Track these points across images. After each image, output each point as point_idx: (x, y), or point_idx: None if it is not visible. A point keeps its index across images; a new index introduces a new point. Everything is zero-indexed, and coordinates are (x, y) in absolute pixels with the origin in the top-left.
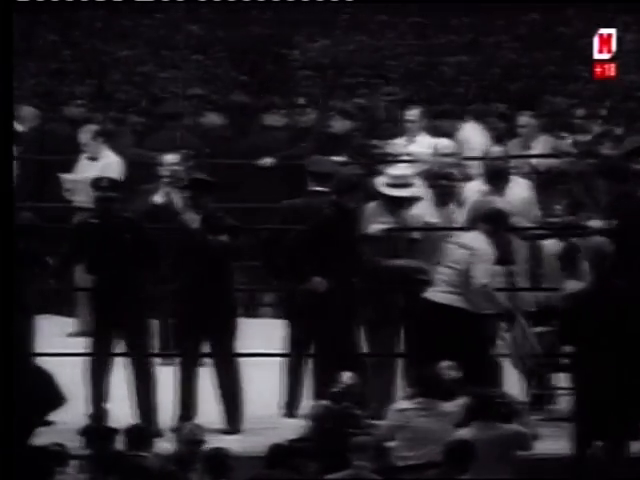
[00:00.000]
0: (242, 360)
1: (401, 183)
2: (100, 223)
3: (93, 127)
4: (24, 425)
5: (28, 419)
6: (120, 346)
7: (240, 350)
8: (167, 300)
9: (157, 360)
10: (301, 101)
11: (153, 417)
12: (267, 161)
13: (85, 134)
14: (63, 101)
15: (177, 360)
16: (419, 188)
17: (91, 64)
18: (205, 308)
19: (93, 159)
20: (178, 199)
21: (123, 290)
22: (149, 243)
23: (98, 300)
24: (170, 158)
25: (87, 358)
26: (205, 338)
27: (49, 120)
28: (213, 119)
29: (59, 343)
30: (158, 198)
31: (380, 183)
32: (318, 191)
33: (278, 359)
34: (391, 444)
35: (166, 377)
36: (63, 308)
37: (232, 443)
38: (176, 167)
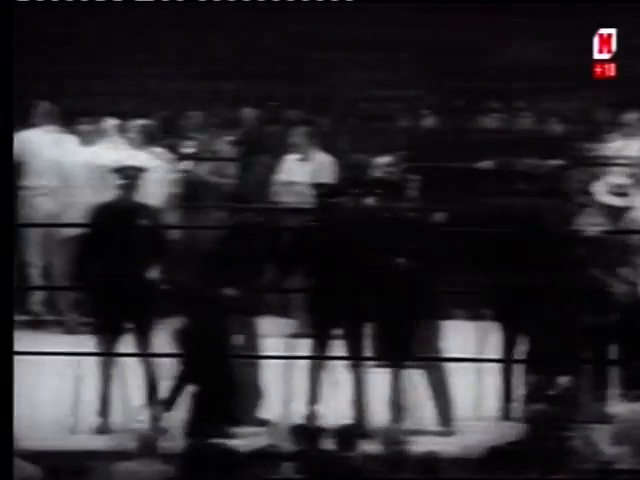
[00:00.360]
0: (454, 363)
1: (620, 192)
2: (320, 226)
3: (305, 128)
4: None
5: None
6: (337, 348)
7: (452, 353)
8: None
9: (375, 363)
10: (516, 104)
11: (365, 418)
12: (485, 164)
13: (298, 135)
14: (280, 103)
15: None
16: (636, 196)
17: (306, 67)
18: (408, 311)
19: (304, 160)
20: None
21: (343, 293)
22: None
23: (318, 302)
24: (383, 160)
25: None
26: (412, 341)
27: (268, 122)
28: (428, 121)
29: (278, 345)
30: (370, 200)
31: (599, 190)
32: (525, 192)
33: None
34: (611, 448)
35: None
36: (283, 310)
37: (445, 445)
38: (389, 169)
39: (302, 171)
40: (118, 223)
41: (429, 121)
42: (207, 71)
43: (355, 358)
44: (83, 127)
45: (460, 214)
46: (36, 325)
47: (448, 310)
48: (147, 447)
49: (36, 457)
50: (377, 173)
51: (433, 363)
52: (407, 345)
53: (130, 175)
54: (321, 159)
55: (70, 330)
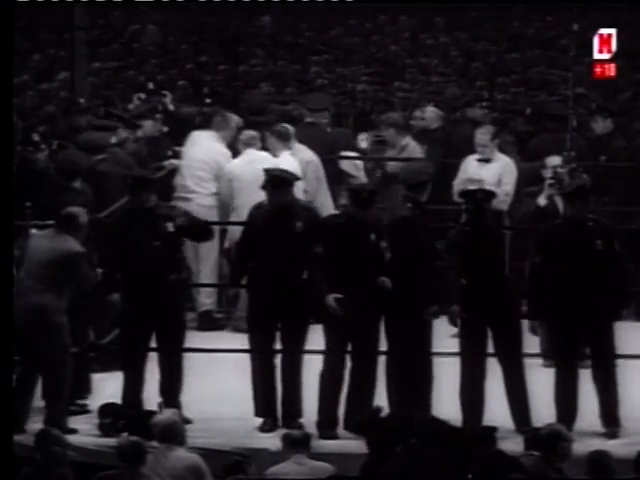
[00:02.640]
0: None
1: None
2: (472, 230)
3: (491, 128)
4: None
5: None
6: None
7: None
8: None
9: (537, 361)
10: None
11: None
12: None
13: (483, 135)
14: (466, 102)
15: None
16: None
17: (481, 66)
18: (588, 310)
19: (486, 161)
20: (560, 201)
21: (493, 291)
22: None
23: (470, 301)
24: (553, 160)
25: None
26: (584, 339)
27: (451, 121)
28: (600, 122)
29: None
30: (542, 200)
31: None
32: None
33: None
34: None
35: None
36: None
37: (613, 447)
38: (559, 170)
39: (484, 171)
40: (274, 224)
41: (602, 122)
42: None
43: (513, 355)
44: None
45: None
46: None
47: None
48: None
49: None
50: (547, 173)
51: (601, 362)
52: (573, 343)
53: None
54: (503, 160)
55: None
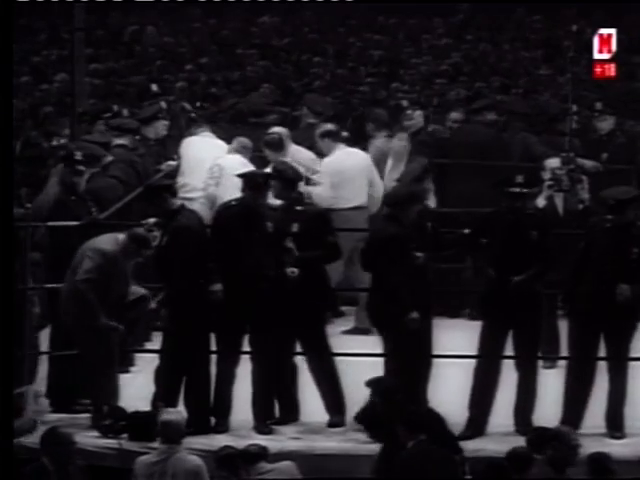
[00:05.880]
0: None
1: None
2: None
3: (329, 126)
4: None
5: None
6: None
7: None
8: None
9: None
10: None
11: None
12: None
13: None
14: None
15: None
16: None
17: (479, 65)
18: (605, 310)
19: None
20: (560, 202)
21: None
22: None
23: (495, 298)
24: (552, 162)
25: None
26: (601, 339)
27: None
28: (607, 120)
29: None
30: (541, 201)
31: None
32: None
33: None
34: None
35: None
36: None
37: (616, 448)
38: (558, 171)
39: None
40: (242, 224)
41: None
42: None
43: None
44: None
45: None
46: None
47: None
48: None
49: None
50: (547, 174)
51: (617, 364)
52: (593, 344)
53: (257, 180)
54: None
55: None
